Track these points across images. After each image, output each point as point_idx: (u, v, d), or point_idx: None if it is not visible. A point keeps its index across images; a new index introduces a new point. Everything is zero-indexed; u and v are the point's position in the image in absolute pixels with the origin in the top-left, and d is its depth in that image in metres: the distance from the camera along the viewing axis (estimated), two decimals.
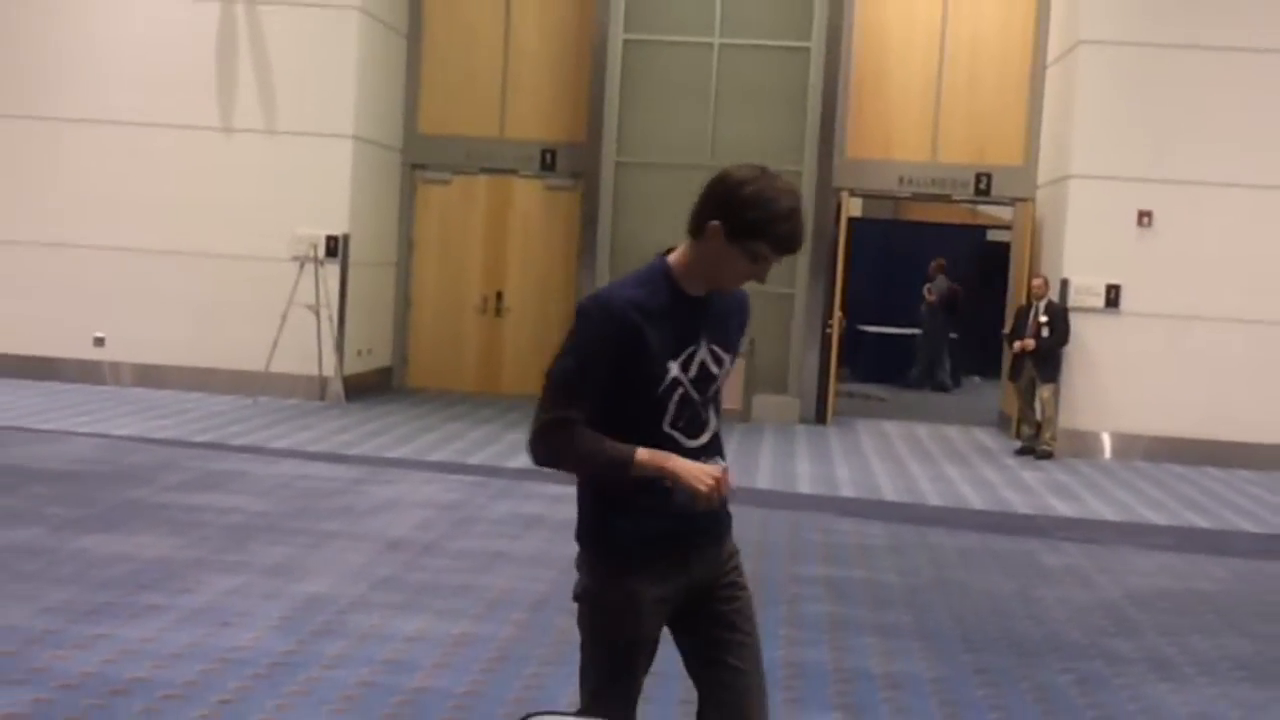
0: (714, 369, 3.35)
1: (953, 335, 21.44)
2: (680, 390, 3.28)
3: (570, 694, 5.53)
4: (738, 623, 3.41)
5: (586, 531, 3.37)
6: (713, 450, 3.37)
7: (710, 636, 3.40)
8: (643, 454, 3.18)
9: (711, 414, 3.39)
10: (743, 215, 3.18)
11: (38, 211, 14.92)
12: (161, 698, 5.32)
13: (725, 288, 3.34)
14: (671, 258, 3.31)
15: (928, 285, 21.13)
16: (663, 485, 3.18)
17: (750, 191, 3.18)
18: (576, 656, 6.10)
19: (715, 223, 3.18)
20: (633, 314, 3.22)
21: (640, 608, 3.31)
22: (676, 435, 3.28)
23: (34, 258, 14.91)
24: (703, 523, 3.30)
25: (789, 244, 3.21)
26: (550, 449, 3.27)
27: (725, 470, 3.26)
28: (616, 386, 3.25)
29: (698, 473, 3.17)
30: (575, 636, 6.40)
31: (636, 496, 3.24)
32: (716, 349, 3.35)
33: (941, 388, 20.95)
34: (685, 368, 3.28)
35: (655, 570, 3.30)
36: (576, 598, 3.41)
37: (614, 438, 3.22)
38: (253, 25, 14.76)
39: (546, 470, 3.46)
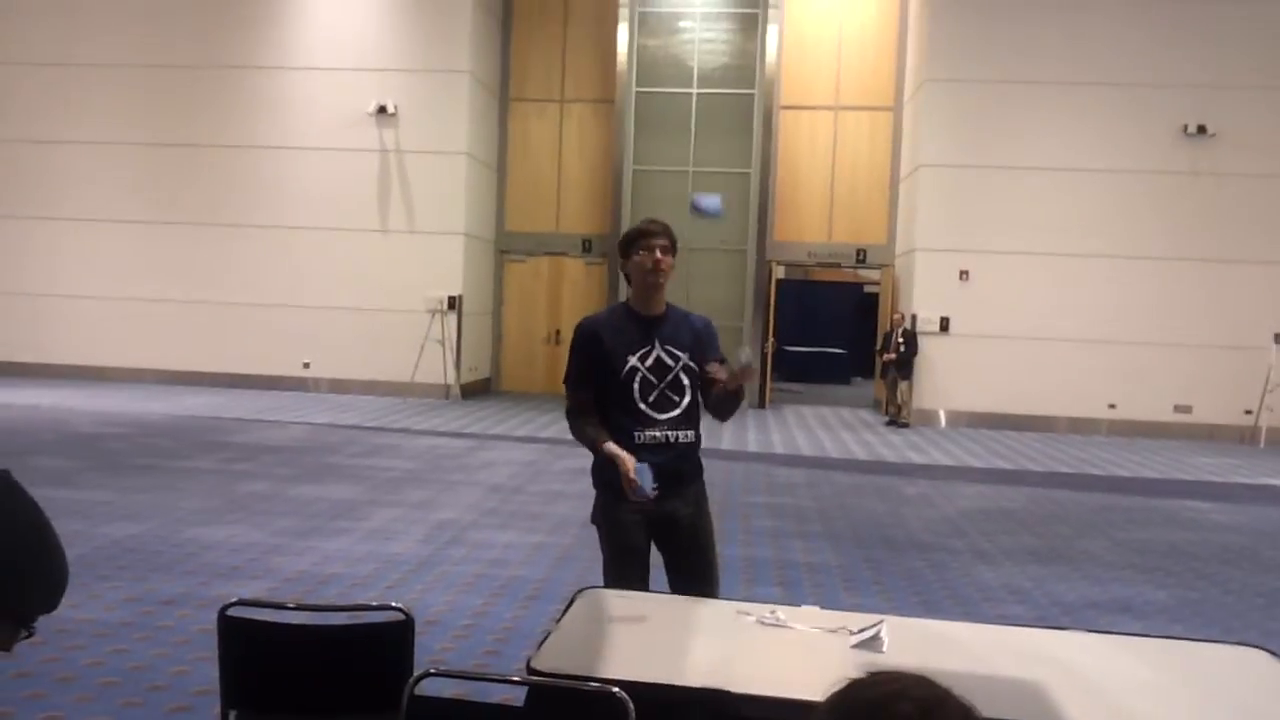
0: (669, 362, 3.10)
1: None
2: (640, 375, 3.08)
3: None
4: (695, 544, 3.21)
5: (594, 476, 3.23)
6: (682, 424, 3.10)
7: (673, 553, 3.21)
8: (608, 446, 3.02)
9: (678, 397, 3.09)
10: (626, 243, 3.15)
11: (268, 284, 14.88)
12: (350, 585, 5.27)
13: (649, 295, 3.13)
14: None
15: None
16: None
17: (628, 232, 3.16)
18: None
19: (622, 260, 3.18)
20: (592, 327, 3.15)
21: (623, 523, 3.13)
22: (647, 410, 3.06)
23: (267, 314, 14.86)
24: (667, 472, 3.03)
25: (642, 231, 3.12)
26: (570, 427, 3.20)
27: (643, 469, 2.94)
28: (599, 374, 3.11)
29: (622, 470, 2.96)
30: None
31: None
32: (671, 349, 3.11)
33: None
34: (643, 360, 3.09)
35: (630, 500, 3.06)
36: (592, 521, 3.27)
37: (610, 410, 3.07)
38: (399, 166, 14.76)
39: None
